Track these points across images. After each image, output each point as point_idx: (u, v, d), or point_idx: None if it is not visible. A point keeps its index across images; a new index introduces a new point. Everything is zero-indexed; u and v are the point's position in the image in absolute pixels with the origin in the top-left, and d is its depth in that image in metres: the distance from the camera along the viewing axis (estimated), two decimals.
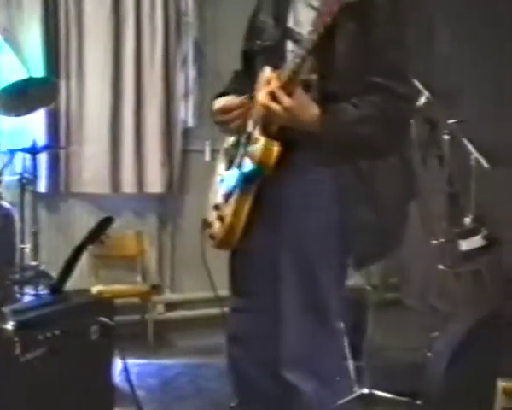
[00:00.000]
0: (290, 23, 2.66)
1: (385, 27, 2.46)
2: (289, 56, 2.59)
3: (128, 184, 6.39)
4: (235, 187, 2.71)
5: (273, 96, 2.46)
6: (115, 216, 6.15)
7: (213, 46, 6.45)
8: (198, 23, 6.56)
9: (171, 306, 6.78)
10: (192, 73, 6.53)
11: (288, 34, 2.65)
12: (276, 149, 2.54)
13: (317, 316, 2.62)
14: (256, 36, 2.81)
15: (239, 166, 2.72)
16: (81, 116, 6.24)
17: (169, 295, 6.77)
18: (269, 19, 2.75)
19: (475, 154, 5.75)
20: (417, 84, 6.06)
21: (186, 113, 6.55)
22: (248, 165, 2.63)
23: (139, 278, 6.52)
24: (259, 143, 2.57)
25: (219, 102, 2.84)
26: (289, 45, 2.65)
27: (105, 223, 4.05)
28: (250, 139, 2.68)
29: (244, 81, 2.87)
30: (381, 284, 7.05)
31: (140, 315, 6.41)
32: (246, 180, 2.65)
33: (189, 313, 6.72)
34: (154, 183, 6.46)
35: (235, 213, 2.67)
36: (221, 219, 2.73)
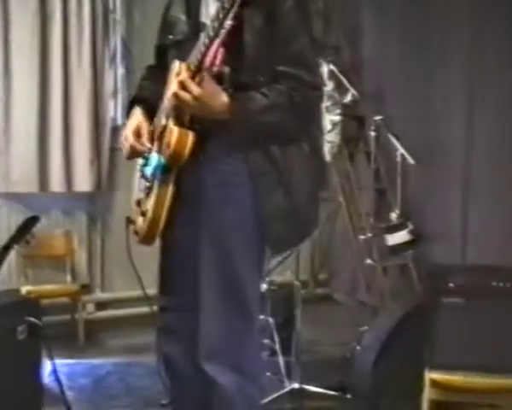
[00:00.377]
0: (203, 17, 2.73)
1: (290, 17, 2.56)
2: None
3: (56, 183, 6.31)
4: (153, 180, 2.73)
5: (183, 86, 2.50)
6: (44, 215, 6.19)
7: (141, 43, 6.40)
8: (125, 20, 6.54)
9: (101, 305, 6.74)
10: (120, 70, 6.49)
11: (200, 28, 2.69)
12: (190, 138, 2.60)
13: (236, 308, 2.66)
14: (168, 31, 2.85)
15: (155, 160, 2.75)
16: (8, 114, 6.15)
17: (99, 295, 6.73)
18: (180, 14, 2.80)
19: (401, 150, 5.83)
20: (344, 81, 6.17)
21: (115, 111, 6.51)
22: (164, 155, 2.66)
23: (69, 278, 6.45)
24: (173, 133, 2.61)
25: (130, 126, 2.86)
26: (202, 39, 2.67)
27: (30, 222, 4.01)
28: (164, 131, 2.70)
29: (157, 76, 2.91)
30: (310, 279, 7.12)
31: (70, 315, 6.34)
32: (163, 171, 2.68)
33: (120, 312, 6.68)
34: (83, 181, 6.41)
35: (156, 205, 2.69)
36: (143, 214, 2.75)
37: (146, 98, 2.92)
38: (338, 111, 6.06)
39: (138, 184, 2.91)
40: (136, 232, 2.81)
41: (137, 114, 2.88)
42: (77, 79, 6.34)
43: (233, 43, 2.48)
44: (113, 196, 6.62)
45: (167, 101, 2.71)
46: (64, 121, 6.30)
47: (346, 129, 6.55)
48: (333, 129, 6.00)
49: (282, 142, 2.66)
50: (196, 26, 2.72)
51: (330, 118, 6.05)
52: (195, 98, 2.49)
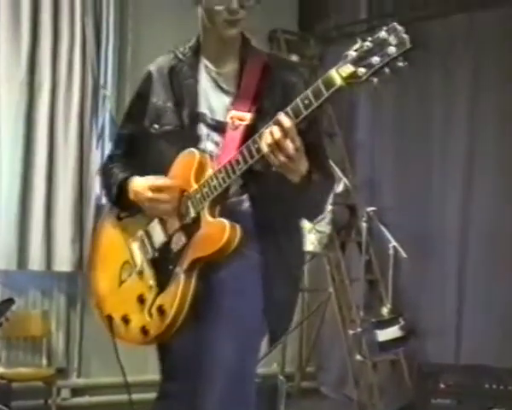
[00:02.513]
0: (201, 108, 2.69)
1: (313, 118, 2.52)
2: (206, 139, 2.65)
3: (36, 261, 6.11)
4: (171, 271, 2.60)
5: (285, 134, 2.38)
6: (21, 294, 6.03)
7: None
8: (115, 97, 6.42)
9: (77, 391, 6.48)
10: (107, 148, 6.34)
11: (199, 118, 2.67)
12: (238, 232, 2.49)
13: (239, 401, 2.57)
14: (153, 120, 2.75)
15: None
16: None
17: (75, 380, 6.47)
18: (169, 102, 2.73)
19: (394, 242, 5.73)
20: (337, 171, 6.08)
21: (100, 189, 6.33)
22: (201, 249, 2.54)
23: (44, 361, 6.23)
24: (223, 227, 2.50)
25: (146, 180, 2.68)
26: (202, 129, 2.67)
27: (4, 306, 3.84)
28: (195, 223, 2.58)
29: (128, 165, 2.79)
30: (297, 371, 6.92)
31: (43, 400, 6.09)
32: (192, 265, 2.56)
33: (97, 399, 6.43)
34: (64, 260, 6.21)
35: (180, 302, 2.55)
36: (161, 311, 2.58)
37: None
38: (329, 200, 5.95)
39: (121, 273, 2.77)
40: (143, 331, 2.64)
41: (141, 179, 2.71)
42: (62, 155, 6.20)
43: None
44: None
45: (194, 193, 2.58)
46: (47, 197, 6.14)
47: (338, 218, 6.45)
48: (323, 218, 5.89)
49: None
50: (192, 116, 2.68)
51: None
52: (296, 149, 2.38)
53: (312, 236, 5.97)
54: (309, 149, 2.49)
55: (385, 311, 5.73)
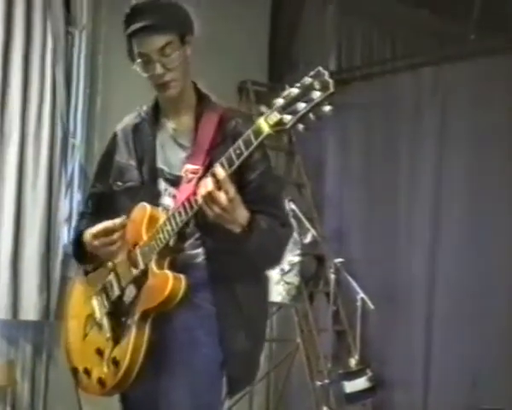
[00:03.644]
0: (159, 163, 2.78)
1: (259, 166, 2.67)
2: (164, 194, 2.75)
3: (1, 309, 6.01)
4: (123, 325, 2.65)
5: (218, 186, 2.43)
6: None
7: None
8: (84, 146, 6.39)
9: None
10: (77, 196, 6.31)
11: (158, 174, 2.77)
12: (183, 283, 2.54)
13: None
14: (116, 177, 2.84)
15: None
16: None
17: None
18: (130, 160, 2.82)
19: (361, 294, 5.74)
20: (304, 221, 6.10)
21: (68, 237, 6.28)
22: (149, 300, 2.59)
23: None
24: (166, 278, 2.55)
25: (96, 227, 2.76)
26: (161, 184, 2.77)
27: None
28: (143, 276, 2.63)
29: (96, 223, 2.83)
30: None
31: None
32: (143, 316, 2.60)
33: None
34: (30, 309, 6.11)
35: (133, 353, 2.59)
36: (114, 362, 2.63)
37: None
38: (297, 252, 5.98)
39: (84, 327, 2.83)
40: (100, 383, 2.68)
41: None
42: (30, 202, 6.12)
43: None
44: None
45: (144, 244, 2.64)
46: (14, 245, 6.04)
47: (306, 269, 6.45)
48: (291, 270, 5.90)
49: (263, 269, 2.78)
50: (151, 172, 2.77)
51: (289, 258, 5.96)
52: (230, 200, 2.43)
53: (280, 287, 5.98)
54: (256, 199, 2.59)
55: (353, 362, 5.72)
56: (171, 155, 2.77)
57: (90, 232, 2.76)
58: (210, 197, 2.43)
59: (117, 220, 2.71)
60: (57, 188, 6.27)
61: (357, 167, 7.05)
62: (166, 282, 2.53)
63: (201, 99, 2.80)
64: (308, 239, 6.04)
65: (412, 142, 6.63)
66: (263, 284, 2.83)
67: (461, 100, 6.30)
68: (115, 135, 2.92)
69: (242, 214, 2.51)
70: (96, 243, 2.73)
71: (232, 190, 2.44)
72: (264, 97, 7.09)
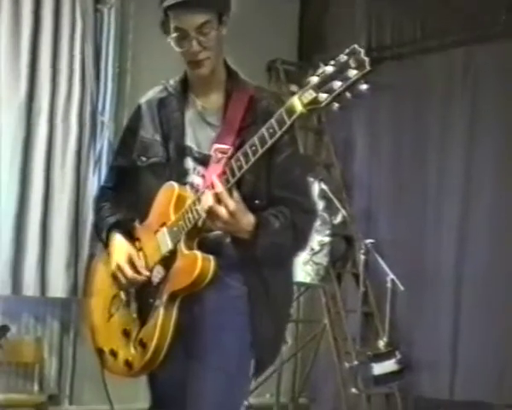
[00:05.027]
0: (188, 141, 2.70)
1: (287, 149, 2.60)
2: (192, 172, 2.66)
3: (30, 287, 6.05)
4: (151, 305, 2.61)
5: (218, 199, 2.41)
6: (15, 320, 5.97)
7: None
8: (113, 124, 6.39)
9: None
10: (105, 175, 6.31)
11: (186, 152, 2.69)
12: (212, 264, 2.50)
13: None
14: (141, 152, 2.76)
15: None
16: None
17: (67, 407, 6.40)
18: (156, 135, 2.74)
19: (391, 275, 5.69)
20: (335, 201, 6.06)
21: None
22: (177, 282, 2.54)
23: (36, 387, 6.15)
24: (196, 259, 2.50)
25: (121, 252, 2.71)
26: (189, 163, 2.68)
27: None
28: (172, 256, 2.59)
29: (118, 199, 2.82)
30: (290, 403, 6.85)
31: None
32: (171, 298, 2.56)
33: None
34: (58, 287, 6.14)
35: (160, 335, 2.55)
36: (141, 344, 2.59)
37: (121, 222, 2.78)
38: (327, 232, 5.92)
39: (110, 307, 2.76)
40: (127, 364, 2.64)
41: (122, 241, 2.73)
42: (59, 181, 6.16)
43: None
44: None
45: (172, 225, 2.59)
46: (42, 223, 6.08)
47: (335, 249, 6.41)
48: (321, 250, 5.85)
49: (279, 264, 2.67)
50: (179, 150, 2.69)
51: (318, 239, 5.91)
52: (231, 213, 2.40)
53: (309, 267, 5.93)
54: (281, 184, 2.58)
55: (381, 344, 5.68)
56: (200, 133, 2.69)
57: (117, 251, 2.71)
58: (211, 212, 2.41)
59: (139, 261, 2.67)
60: (85, 166, 6.29)
61: (386, 148, 6.98)
62: (195, 263, 2.49)
63: (231, 76, 2.73)
64: (338, 219, 5.98)
65: (442, 123, 6.54)
66: (289, 268, 2.78)
67: (492, 81, 6.21)
68: (139, 107, 2.83)
69: (248, 222, 2.47)
70: (125, 274, 2.68)
71: (232, 203, 2.40)
72: (294, 77, 7.05)
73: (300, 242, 2.68)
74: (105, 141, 6.39)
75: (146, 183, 2.71)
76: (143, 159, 2.74)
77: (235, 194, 2.45)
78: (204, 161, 2.64)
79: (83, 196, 6.26)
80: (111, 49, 6.45)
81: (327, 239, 5.91)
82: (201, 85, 2.72)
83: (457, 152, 6.37)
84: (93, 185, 6.29)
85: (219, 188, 2.40)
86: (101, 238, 2.81)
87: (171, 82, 2.80)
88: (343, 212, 6.00)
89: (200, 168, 2.66)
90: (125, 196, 2.79)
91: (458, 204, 6.26)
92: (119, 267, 2.66)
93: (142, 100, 2.83)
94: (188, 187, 2.64)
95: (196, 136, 2.70)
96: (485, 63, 6.25)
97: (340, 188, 6.97)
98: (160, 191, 2.65)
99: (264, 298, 2.61)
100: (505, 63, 6.06)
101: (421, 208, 6.57)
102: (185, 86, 2.76)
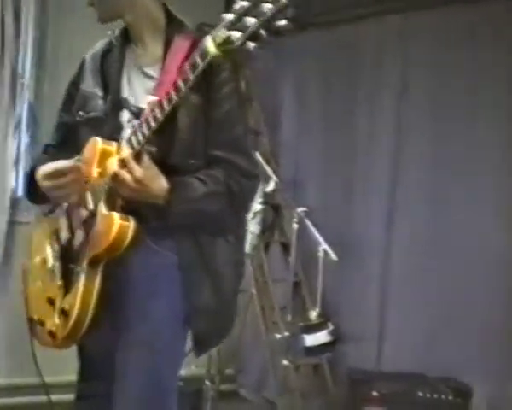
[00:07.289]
0: (124, 93, 2.57)
1: (226, 103, 2.48)
2: (127, 126, 2.53)
3: None
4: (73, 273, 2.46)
5: (124, 165, 2.28)
6: None
7: (49, 111, 6.02)
8: (34, 85, 6.16)
9: None
10: (25, 139, 6.07)
11: (122, 104, 2.57)
12: (131, 226, 2.36)
13: (155, 405, 2.50)
14: (79, 107, 2.64)
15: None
16: None
17: None
18: (96, 89, 2.61)
19: (324, 245, 5.62)
20: (267, 169, 5.95)
21: (16, 181, 6.07)
22: (96, 245, 2.39)
23: None
24: (112, 220, 2.34)
25: (48, 167, 2.55)
26: (125, 116, 2.57)
27: None
28: (92, 218, 2.44)
29: (59, 157, 2.62)
30: (217, 374, 6.77)
31: None
32: (92, 263, 2.40)
33: (12, 400, 6.08)
34: None
35: (82, 304, 2.40)
36: (63, 313, 2.45)
37: None
38: (260, 200, 5.81)
39: (44, 277, 2.60)
40: (51, 334, 2.51)
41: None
42: None
43: (166, 123, 2.29)
44: (9, 274, 6.10)
45: (94, 183, 2.43)
46: None
47: (265, 218, 6.31)
48: (253, 218, 5.73)
49: (214, 231, 2.52)
50: (115, 103, 2.56)
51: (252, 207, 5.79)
52: (136, 180, 2.26)
53: None
54: (221, 143, 2.46)
55: (313, 315, 5.61)
56: (138, 85, 2.56)
57: (41, 171, 2.57)
58: (115, 178, 2.30)
59: (70, 161, 2.51)
60: (4, 129, 6.03)
61: (315, 115, 6.88)
62: (112, 225, 2.34)
63: (172, 23, 2.58)
64: (270, 187, 5.87)
65: (372, 92, 6.46)
66: (234, 237, 2.61)
67: (423, 50, 6.13)
68: (83, 61, 2.72)
69: (159, 187, 2.35)
70: (46, 183, 2.54)
71: (138, 168, 2.28)
72: None
73: (237, 208, 2.56)
74: (25, 103, 6.13)
75: (85, 139, 2.54)
76: (81, 113, 2.62)
77: (146, 158, 2.30)
78: (139, 114, 2.49)
79: (2, 160, 6.01)
80: (31, 10, 6.18)
81: (259, 207, 5.80)
82: (135, 34, 2.58)
83: (387, 120, 6.31)
84: (12, 150, 6.04)
85: (125, 154, 2.29)
86: (31, 194, 2.69)
87: (117, 32, 2.66)
88: (275, 179, 5.89)
89: (135, 122, 2.50)
90: (63, 152, 2.64)
91: (388, 172, 6.21)
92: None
93: (88, 53, 2.70)
94: (123, 142, 2.44)
95: (134, 88, 2.56)
96: (417, 31, 6.17)
97: (269, 156, 6.86)
98: (86, 147, 2.50)
99: (201, 267, 2.48)
100: (438, 31, 5.99)
101: (350, 178, 6.51)
102: (127, 36, 2.61)
